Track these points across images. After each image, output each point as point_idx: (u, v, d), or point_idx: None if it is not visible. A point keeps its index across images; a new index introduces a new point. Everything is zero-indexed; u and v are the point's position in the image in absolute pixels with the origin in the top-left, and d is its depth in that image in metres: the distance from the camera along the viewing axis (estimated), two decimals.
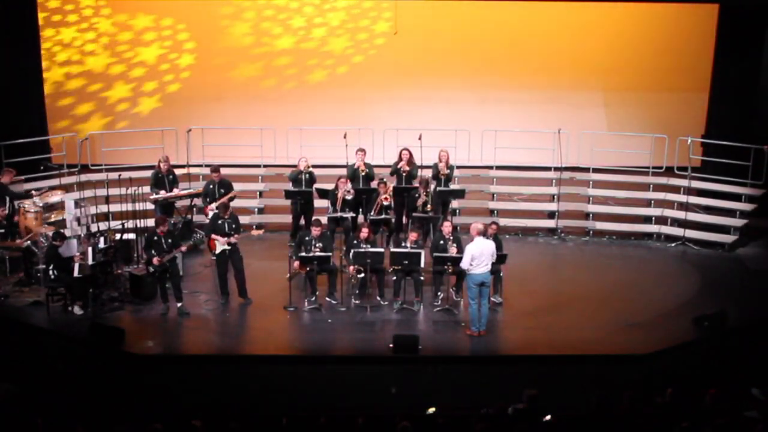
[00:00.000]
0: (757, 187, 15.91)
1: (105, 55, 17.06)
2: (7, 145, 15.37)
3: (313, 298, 12.63)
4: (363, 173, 14.35)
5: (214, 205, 13.89)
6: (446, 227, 12.63)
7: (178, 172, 15.46)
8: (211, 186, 14.31)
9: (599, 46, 18.25)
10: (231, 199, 14.18)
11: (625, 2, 17.49)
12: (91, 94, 17.66)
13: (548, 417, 8.96)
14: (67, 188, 15.43)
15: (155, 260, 12.17)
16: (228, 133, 17.29)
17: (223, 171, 15.35)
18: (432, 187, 14.15)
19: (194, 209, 14.80)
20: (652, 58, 18.15)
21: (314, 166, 14.80)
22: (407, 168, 14.43)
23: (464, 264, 11.69)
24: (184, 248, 12.63)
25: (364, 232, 12.68)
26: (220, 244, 12.61)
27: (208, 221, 13.46)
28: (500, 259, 12.41)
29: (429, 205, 13.80)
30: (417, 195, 13.93)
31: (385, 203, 13.95)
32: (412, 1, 17.92)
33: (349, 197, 13.94)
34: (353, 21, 18.22)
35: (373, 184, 14.35)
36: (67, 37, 16.92)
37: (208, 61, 17.79)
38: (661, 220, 15.98)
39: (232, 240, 12.57)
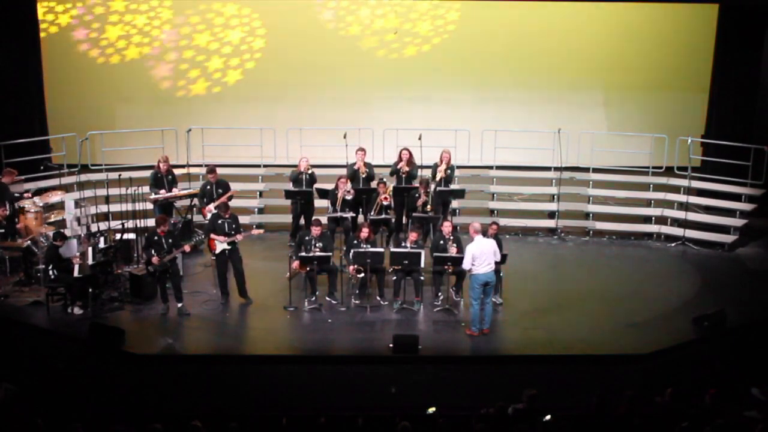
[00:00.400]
0: (757, 187, 15.93)
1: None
2: (7, 145, 15.38)
3: (313, 298, 12.63)
4: (363, 175, 14.34)
5: (212, 206, 13.90)
6: (446, 227, 12.63)
7: (178, 172, 15.47)
8: (208, 186, 14.31)
9: (599, 46, 18.24)
10: (229, 198, 14.19)
11: (626, 2, 17.50)
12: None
13: (548, 417, 8.96)
14: (67, 188, 15.43)
15: (154, 259, 12.17)
16: (228, 133, 17.31)
17: (224, 171, 15.38)
18: (432, 187, 14.14)
19: (194, 209, 14.79)
20: (652, 58, 18.15)
21: (314, 166, 14.80)
22: (407, 169, 14.43)
23: (466, 264, 11.69)
24: (187, 248, 12.63)
25: (365, 232, 12.68)
26: (220, 244, 12.61)
27: (207, 221, 13.47)
28: (500, 259, 12.41)
29: (429, 206, 13.79)
30: (417, 195, 13.93)
31: (385, 203, 13.95)
32: (412, 2, 17.95)
33: (348, 197, 13.94)
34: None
35: (373, 184, 14.36)
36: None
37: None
38: (661, 220, 15.98)
39: (238, 238, 12.56)
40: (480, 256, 11.59)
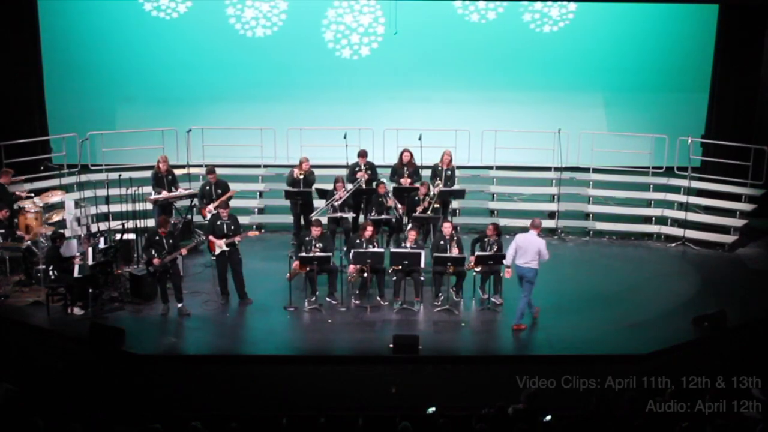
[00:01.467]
0: (757, 188, 15.92)
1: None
2: (7, 145, 15.37)
3: (313, 298, 12.63)
4: (363, 183, 14.32)
5: (212, 206, 13.91)
6: (446, 228, 12.63)
7: (178, 172, 15.46)
8: (208, 187, 14.31)
9: (599, 46, 18.24)
10: (229, 198, 14.17)
11: (626, 2, 17.50)
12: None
13: (548, 417, 8.96)
14: (67, 188, 15.41)
15: (155, 261, 12.16)
16: (228, 133, 17.29)
17: (224, 171, 15.36)
18: (434, 190, 14.10)
19: (194, 209, 14.79)
20: (652, 58, 18.15)
21: (314, 166, 14.79)
22: (409, 180, 14.42)
23: (508, 254, 12.10)
24: (184, 251, 12.63)
25: (369, 231, 12.67)
26: (218, 246, 12.60)
27: (207, 222, 13.47)
28: (500, 259, 12.43)
29: (430, 210, 13.81)
30: (417, 197, 13.93)
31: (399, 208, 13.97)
32: (412, 1, 17.92)
33: (337, 204, 13.88)
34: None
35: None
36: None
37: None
38: (661, 220, 15.98)
39: (237, 239, 12.55)
40: (520, 248, 11.91)
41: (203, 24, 18.11)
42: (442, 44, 18.26)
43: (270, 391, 10.85)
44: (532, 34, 18.19)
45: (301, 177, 14.44)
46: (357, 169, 14.57)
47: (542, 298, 12.99)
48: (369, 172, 14.54)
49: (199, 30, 18.09)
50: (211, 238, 12.66)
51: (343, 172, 14.80)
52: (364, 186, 14.30)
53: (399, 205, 14.04)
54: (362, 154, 14.75)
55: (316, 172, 14.85)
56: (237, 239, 12.59)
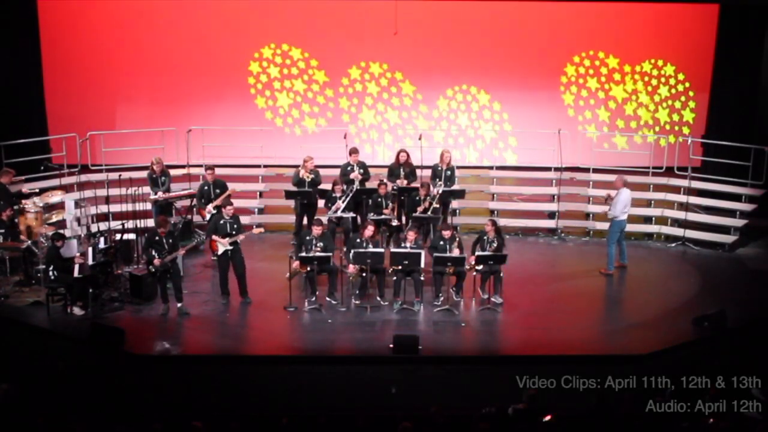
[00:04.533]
0: (757, 188, 15.92)
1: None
2: (7, 145, 15.38)
3: (313, 298, 12.63)
4: (357, 183, 14.31)
5: (211, 206, 13.90)
6: (446, 234, 12.61)
7: (179, 172, 15.44)
8: (206, 187, 14.28)
9: (599, 46, 18.25)
10: (228, 197, 14.17)
11: (626, 2, 17.50)
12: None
13: (548, 417, 8.96)
14: (67, 188, 15.41)
15: (156, 261, 12.16)
16: (228, 133, 17.30)
17: (224, 171, 15.37)
18: (435, 191, 14.10)
19: (194, 209, 14.79)
20: (653, 57, 18.16)
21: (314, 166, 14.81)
22: (405, 181, 14.42)
23: (617, 211, 13.64)
24: (182, 251, 12.62)
25: (369, 230, 12.66)
26: (222, 246, 12.59)
27: (206, 222, 13.45)
28: (500, 259, 12.43)
29: (430, 211, 13.81)
30: (417, 198, 13.92)
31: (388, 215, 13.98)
32: (412, 1, 17.93)
33: (340, 210, 13.90)
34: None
35: (371, 184, 14.36)
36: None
37: None
38: (661, 220, 15.98)
39: (240, 238, 12.54)
40: (628, 203, 13.65)
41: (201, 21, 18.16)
42: (441, 42, 18.28)
43: (270, 391, 10.85)
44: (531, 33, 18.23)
45: (307, 178, 14.42)
46: (349, 168, 14.54)
47: (543, 298, 13.03)
48: (362, 171, 14.51)
49: (198, 30, 18.12)
50: (214, 237, 12.64)
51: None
52: (358, 185, 14.28)
53: (395, 215, 14.02)
54: (353, 151, 14.69)
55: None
56: (240, 237, 12.57)
